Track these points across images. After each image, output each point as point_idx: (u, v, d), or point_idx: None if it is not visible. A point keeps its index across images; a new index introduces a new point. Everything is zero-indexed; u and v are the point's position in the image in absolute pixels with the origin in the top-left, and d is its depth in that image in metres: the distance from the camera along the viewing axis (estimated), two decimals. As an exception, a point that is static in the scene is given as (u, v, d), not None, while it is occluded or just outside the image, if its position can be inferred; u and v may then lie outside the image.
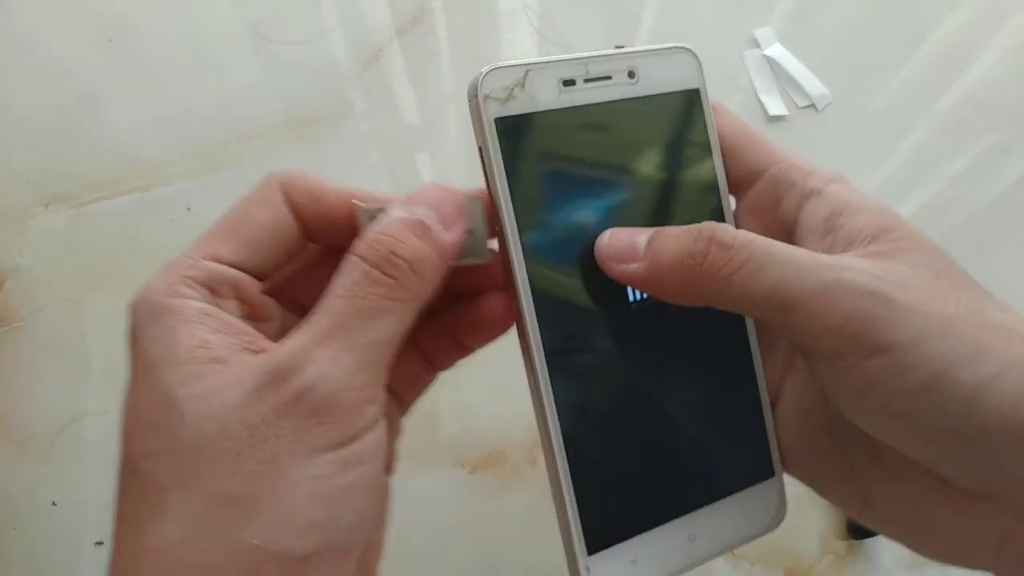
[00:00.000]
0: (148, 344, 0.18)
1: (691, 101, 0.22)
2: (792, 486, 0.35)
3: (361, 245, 0.17)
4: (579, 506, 0.20)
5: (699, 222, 0.18)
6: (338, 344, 0.16)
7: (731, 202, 0.22)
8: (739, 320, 0.21)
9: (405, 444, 0.36)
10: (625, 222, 0.20)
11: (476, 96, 0.20)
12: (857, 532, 0.34)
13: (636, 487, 0.20)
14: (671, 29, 0.46)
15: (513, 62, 0.20)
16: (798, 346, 0.18)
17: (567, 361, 0.19)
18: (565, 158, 0.20)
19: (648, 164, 0.21)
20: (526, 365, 0.20)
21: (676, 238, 0.18)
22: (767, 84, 0.45)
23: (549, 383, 0.19)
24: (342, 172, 0.41)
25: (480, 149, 0.20)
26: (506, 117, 0.20)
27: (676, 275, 0.18)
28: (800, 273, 0.16)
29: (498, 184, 0.19)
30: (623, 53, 0.21)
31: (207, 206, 0.40)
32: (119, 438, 0.18)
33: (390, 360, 0.17)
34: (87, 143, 0.42)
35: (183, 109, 0.43)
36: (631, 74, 0.21)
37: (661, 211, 0.21)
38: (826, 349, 0.17)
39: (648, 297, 0.20)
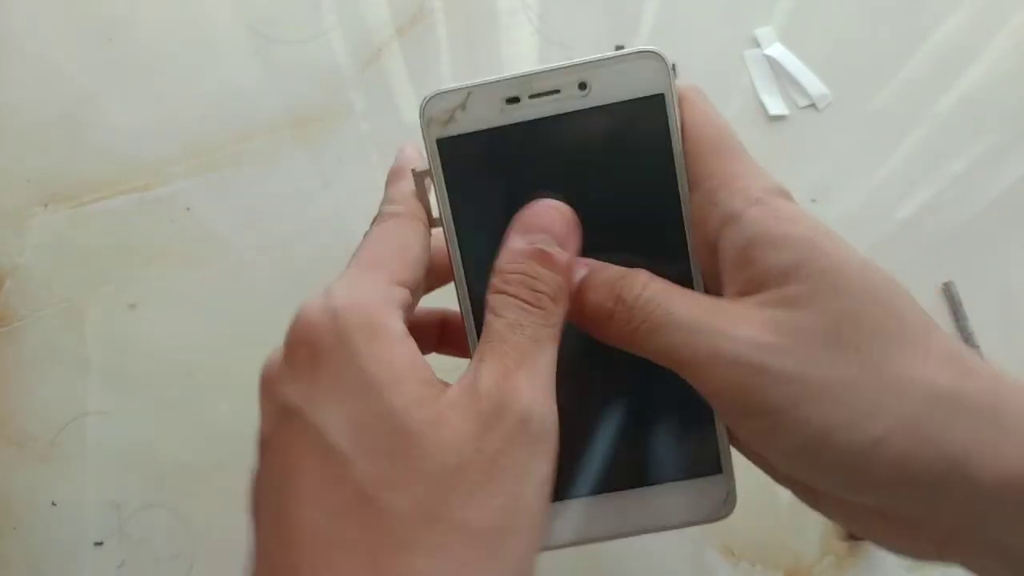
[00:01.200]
0: (369, 361, 0.17)
1: (653, 108, 0.20)
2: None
3: (499, 281, 0.18)
4: None
5: (652, 242, 0.20)
6: (528, 372, 0.17)
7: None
8: None
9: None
10: (585, 246, 0.20)
11: (421, 119, 0.21)
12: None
13: (585, 456, 0.22)
14: (671, 28, 0.46)
15: (457, 85, 0.21)
16: None
17: None
18: (510, 176, 0.21)
19: (598, 179, 0.21)
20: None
21: (595, 289, 0.19)
22: (767, 84, 0.45)
23: None
24: (341, 171, 0.41)
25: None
26: (447, 138, 0.21)
27: (593, 325, 0.19)
28: (687, 339, 0.18)
29: (439, 204, 0.21)
30: (573, 65, 0.20)
31: (207, 206, 0.40)
32: (330, 453, 0.16)
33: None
34: (87, 143, 0.42)
35: (182, 109, 0.43)
36: (582, 86, 0.20)
37: (609, 230, 0.21)
38: (717, 409, 0.19)
39: None
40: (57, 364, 0.37)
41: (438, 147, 0.21)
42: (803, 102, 0.44)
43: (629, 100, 0.20)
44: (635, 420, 0.22)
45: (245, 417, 0.37)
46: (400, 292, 0.19)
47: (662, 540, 0.34)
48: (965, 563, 0.18)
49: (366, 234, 0.22)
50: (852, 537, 0.34)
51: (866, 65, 0.45)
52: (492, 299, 0.18)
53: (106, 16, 0.45)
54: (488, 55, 0.45)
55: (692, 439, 0.22)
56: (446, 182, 0.21)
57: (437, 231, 0.22)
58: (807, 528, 0.35)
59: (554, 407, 0.18)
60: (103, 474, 0.35)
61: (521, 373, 0.17)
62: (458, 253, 0.21)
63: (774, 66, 0.45)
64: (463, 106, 0.21)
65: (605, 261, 0.20)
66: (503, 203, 0.20)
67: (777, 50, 0.45)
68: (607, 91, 0.20)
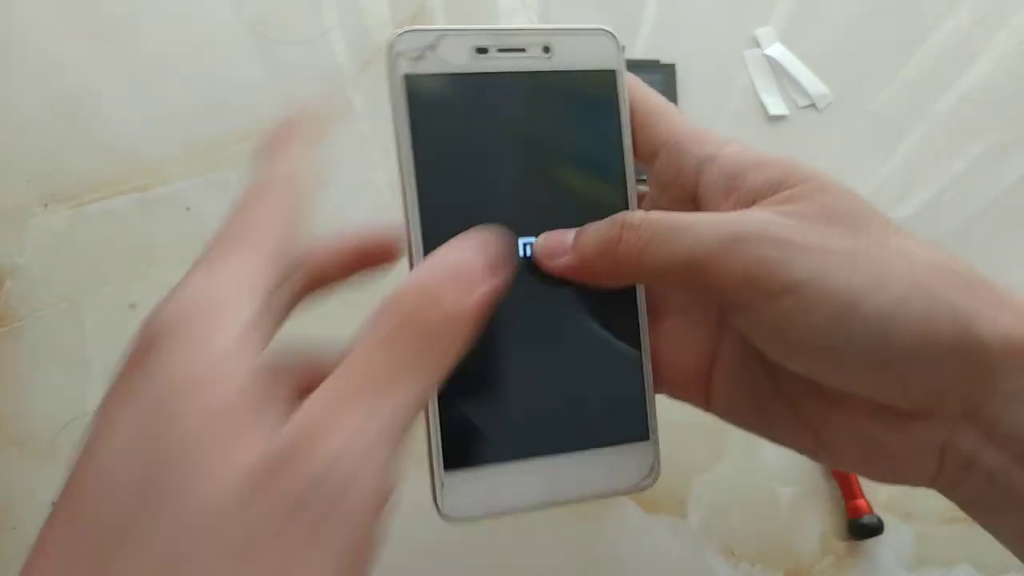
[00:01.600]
0: (168, 364, 0.14)
1: (605, 81, 0.22)
2: (791, 486, 0.35)
3: (396, 291, 0.15)
4: (442, 424, 0.21)
5: (599, 199, 0.21)
6: (367, 413, 0.13)
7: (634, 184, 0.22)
8: (631, 294, 0.22)
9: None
10: (523, 189, 0.21)
11: (389, 54, 0.21)
12: (858, 532, 0.34)
13: (502, 420, 0.21)
14: (671, 28, 0.46)
15: (429, 27, 0.21)
16: (719, 303, 0.20)
17: None
18: (472, 120, 0.21)
19: (551, 136, 0.22)
20: None
21: (596, 230, 0.19)
22: (767, 83, 0.45)
23: None
24: (342, 172, 0.41)
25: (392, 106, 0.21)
26: (415, 75, 0.21)
27: (599, 261, 0.19)
28: (700, 235, 0.18)
29: (401, 139, 0.21)
30: (540, 28, 0.22)
31: (207, 206, 0.40)
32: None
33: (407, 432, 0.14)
34: (87, 143, 0.42)
35: (183, 109, 0.43)
36: (546, 49, 0.22)
37: (558, 184, 0.22)
38: (739, 299, 0.18)
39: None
40: (57, 364, 0.37)
41: (404, 82, 0.21)
42: (803, 102, 0.44)
43: (586, 70, 0.22)
44: (561, 380, 0.21)
45: (245, 417, 0.37)
46: (265, 270, 0.16)
47: (661, 540, 0.34)
48: (970, 466, 0.17)
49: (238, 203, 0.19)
50: (852, 537, 0.34)
51: (866, 65, 0.45)
52: (379, 307, 0.15)
53: (106, 15, 0.45)
54: (488, 55, 0.45)
55: (618, 403, 0.22)
56: (409, 119, 0.21)
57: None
58: (807, 528, 0.35)
59: (384, 477, 0.14)
60: (103, 474, 0.35)
61: (357, 410, 0.13)
62: (415, 194, 0.21)
63: (774, 66, 0.45)
64: (433, 46, 0.21)
65: (555, 213, 0.21)
66: (461, 147, 0.21)
67: (777, 50, 0.45)
68: (567, 58, 0.22)
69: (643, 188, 0.23)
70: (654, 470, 0.22)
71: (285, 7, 0.46)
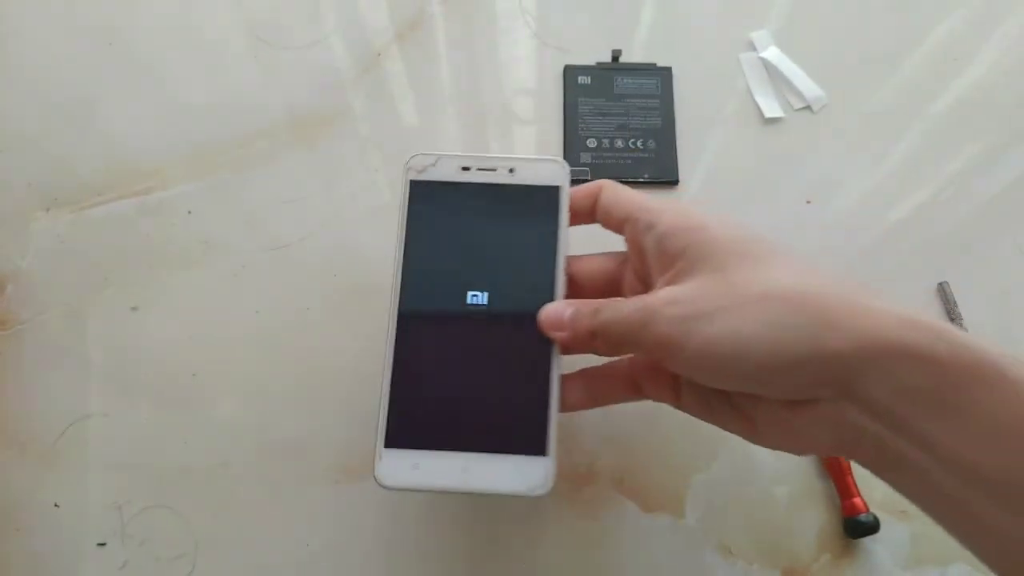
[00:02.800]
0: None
1: (552, 194, 0.31)
2: (787, 486, 0.35)
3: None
4: (389, 411, 0.29)
5: (534, 284, 0.30)
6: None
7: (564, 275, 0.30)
8: (545, 347, 0.29)
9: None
10: (479, 260, 0.30)
11: (404, 167, 0.32)
12: (854, 531, 0.34)
13: (434, 418, 0.29)
14: (667, 31, 0.46)
15: (433, 152, 0.32)
16: None
17: (415, 327, 0.30)
18: (450, 212, 0.31)
19: (509, 228, 0.31)
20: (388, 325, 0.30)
21: (590, 317, 0.27)
22: (763, 86, 0.45)
23: (394, 334, 0.30)
24: (342, 175, 0.42)
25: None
26: (418, 181, 0.31)
27: (582, 340, 0.28)
28: (626, 320, 0.26)
29: (402, 221, 0.31)
30: (509, 157, 0.32)
31: (208, 209, 0.41)
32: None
33: None
34: (88, 147, 0.42)
35: (183, 113, 0.43)
36: (511, 170, 0.31)
37: (507, 269, 0.30)
38: (658, 357, 0.26)
39: (482, 304, 0.30)
40: (59, 367, 0.37)
41: (410, 185, 0.31)
42: (798, 104, 0.44)
43: (539, 185, 0.31)
44: (485, 398, 0.29)
45: (246, 418, 0.37)
46: None
47: (659, 539, 0.34)
48: (860, 434, 0.23)
49: None
50: (849, 536, 0.35)
51: (861, 67, 0.45)
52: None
53: (106, 21, 0.46)
54: (487, 59, 0.45)
55: (528, 423, 0.29)
56: (408, 209, 0.31)
57: None
58: (804, 526, 0.35)
59: None
60: (105, 476, 0.35)
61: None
62: (402, 256, 0.30)
63: (769, 69, 0.45)
64: (434, 164, 0.32)
65: (508, 283, 0.30)
66: (441, 229, 0.31)
67: (772, 53, 0.45)
68: (526, 176, 0.31)
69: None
70: (547, 481, 0.28)
71: (285, 12, 0.46)
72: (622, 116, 0.43)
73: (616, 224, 0.30)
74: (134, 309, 0.38)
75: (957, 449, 0.21)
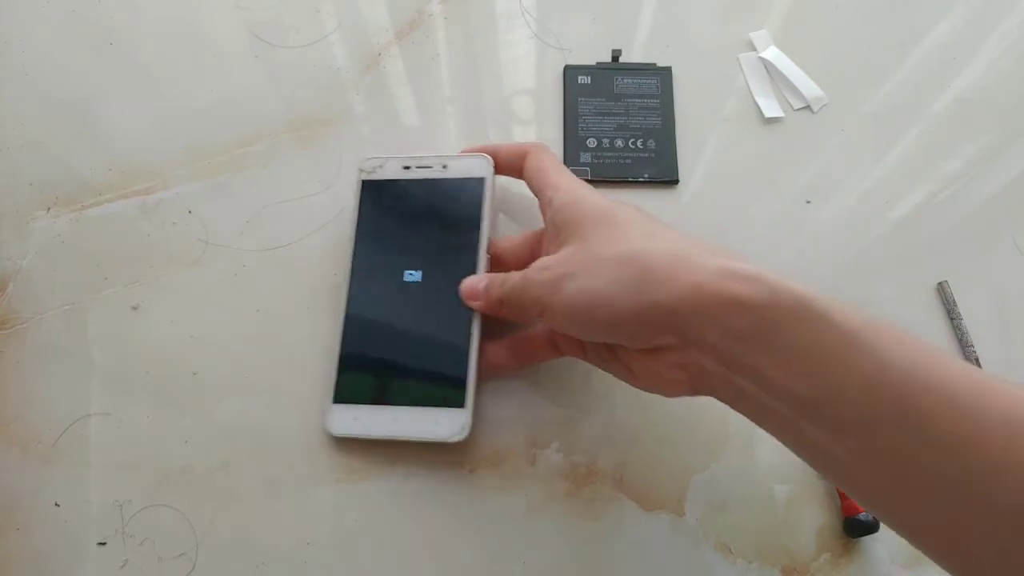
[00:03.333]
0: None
1: (478, 184, 0.37)
2: (787, 484, 0.35)
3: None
4: (338, 375, 0.35)
5: (460, 262, 0.36)
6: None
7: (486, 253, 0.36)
8: (467, 315, 0.35)
9: (404, 444, 0.36)
10: (417, 244, 0.37)
11: (359, 169, 0.39)
12: (854, 530, 0.34)
13: (372, 378, 0.35)
14: (667, 31, 0.46)
15: (381, 155, 0.39)
16: None
17: (361, 302, 0.36)
18: (398, 206, 0.38)
19: (442, 214, 0.37)
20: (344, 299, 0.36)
21: (499, 286, 0.33)
22: (762, 86, 0.45)
23: (346, 304, 0.36)
24: (342, 175, 0.42)
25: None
26: (368, 181, 0.39)
27: (494, 307, 0.34)
28: (515, 287, 0.32)
29: (353, 218, 0.38)
30: (441, 155, 0.38)
31: (208, 209, 0.41)
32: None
33: None
34: (88, 147, 0.42)
35: (184, 113, 0.43)
36: (444, 166, 0.38)
37: (439, 250, 0.36)
38: (536, 315, 0.31)
39: (417, 280, 0.36)
40: (60, 366, 0.37)
41: (362, 185, 0.39)
42: (798, 104, 0.45)
43: (467, 177, 0.37)
44: (415, 360, 0.35)
45: (247, 417, 0.37)
46: None
47: (659, 537, 0.35)
48: (706, 373, 0.27)
49: None
50: (848, 534, 0.35)
51: (860, 67, 0.46)
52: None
53: (107, 20, 0.46)
54: (487, 59, 0.45)
55: (449, 380, 0.34)
56: (359, 205, 0.38)
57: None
58: (803, 525, 0.35)
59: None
60: (106, 474, 0.35)
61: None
62: (353, 243, 0.37)
63: (769, 69, 0.45)
64: (382, 165, 0.39)
65: (439, 262, 0.36)
66: (389, 220, 0.37)
67: (772, 53, 0.45)
68: (457, 171, 0.38)
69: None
70: (464, 430, 0.34)
71: (285, 12, 0.46)
72: (622, 116, 0.43)
73: (535, 192, 0.35)
74: (134, 309, 0.39)
75: (780, 380, 0.24)
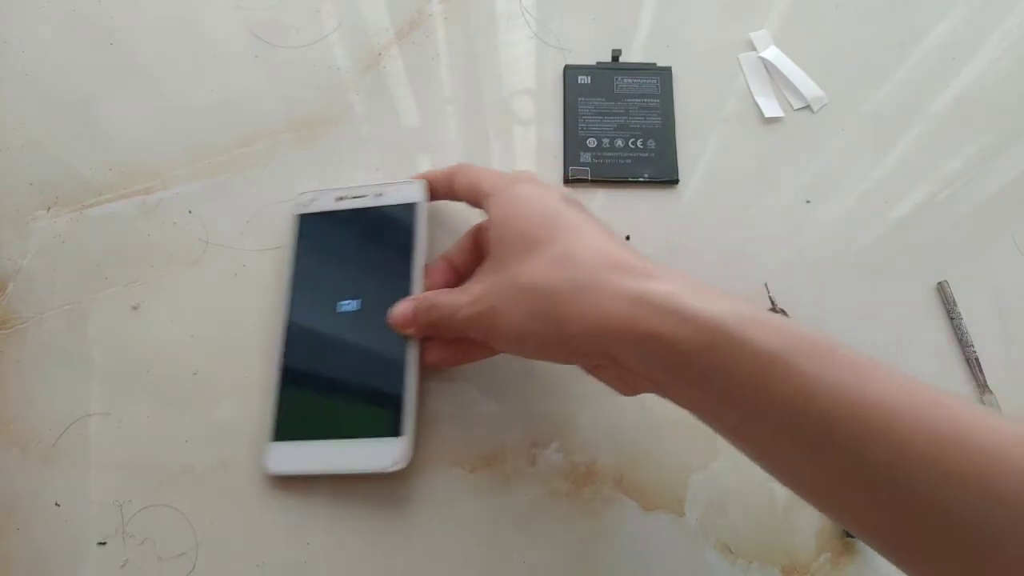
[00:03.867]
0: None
1: (410, 209, 0.37)
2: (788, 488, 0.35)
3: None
4: (276, 413, 0.35)
5: (396, 288, 0.35)
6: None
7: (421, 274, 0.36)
8: (403, 341, 0.35)
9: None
10: (354, 281, 0.37)
11: (294, 203, 0.39)
12: (853, 530, 0.34)
13: (310, 413, 0.35)
14: (667, 31, 0.46)
15: (315, 189, 0.39)
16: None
17: (297, 338, 0.36)
18: (333, 236, 0.38)
19: (378, 238, 0.37)
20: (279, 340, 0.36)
21: (426, 312, 0.33)
22: (762, 86, 0.45)
23: (283, 341, 0.36)
24: (342, 175, 0.42)
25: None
26: (303, 214, 0.39)
27: (429, 331, 0.34)
28: (453, 307, 0.32)
29: (290, 254, 0.38)
30: (376, 183, 0.39)
31: (208, 209, 0.41)
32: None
33: None
34: (89, 146, 0.42)
35: (184, 112, 0.43)
36: (379, 195, 0.38)
37: (375, 277, 0.36)
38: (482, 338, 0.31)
39: (353, 310, 0.36)
40: (60, 366, 0.37)
41: (299, 220, 0.39)
42: (798, 104, 0.45)
43: (401, 203, 0.38)
44: (352, 390, 0.35)
45: (247, 417, 0.37)
46: None
47: (659, 538, 0.35)
48: (643, 383, 0.28)
49: None
50: (848, 535, 0.35)
51: (860, 67, 0.46)
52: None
53: (107, 20, 0.46)
54: (486, 59, 0.45)
55: (386, 409, 0.34)
56: (297, 238, 0.38)
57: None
58: (804, 526, 0.35)
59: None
60: (106, 474, 0.35)
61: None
62: (292, 272, 0.38)
63: (769, 69, 0.45)
64: (316, 199, 0.39)
65: (375, 290, 0.36)
66: (325, 252, 0.38)
67: (772, 53, 0.45)
68: (390, 198, 0.38)
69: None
70: (403, 459, 0.33)
71: (285, 12, 0.46)
72: (622, 116, 0.43)
73: (477, 206, 0.34)
74: (134, 308, 0.39)
75: (710, 406, 0.25)
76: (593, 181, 0.42)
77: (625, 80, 0.44)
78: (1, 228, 0.40)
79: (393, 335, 0.35)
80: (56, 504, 0.35)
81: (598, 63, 0.45)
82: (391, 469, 0.33)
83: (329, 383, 0.35)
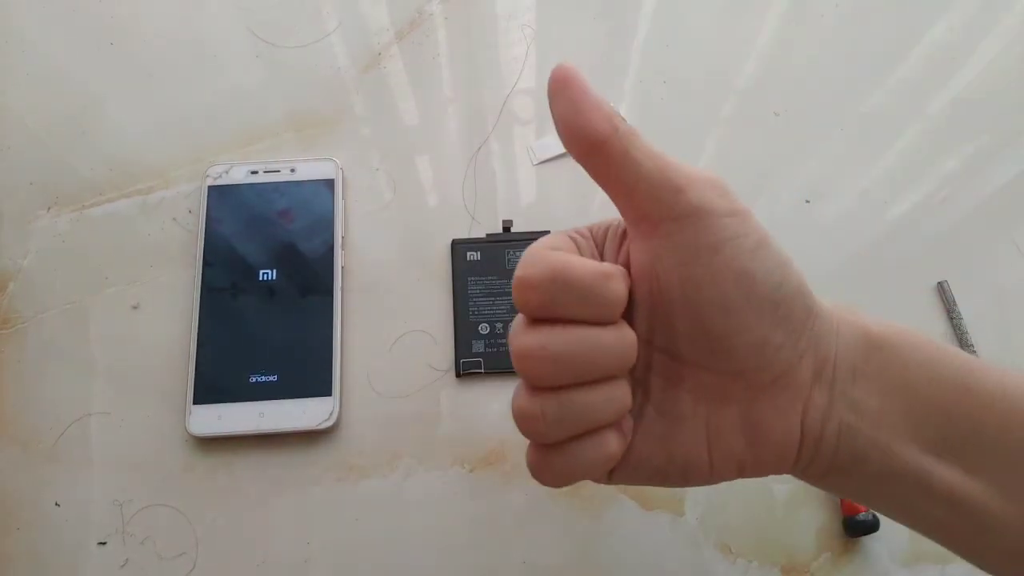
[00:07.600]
0: None
1: (329, 186, 0.40)
2: (787, 484, 0.35)
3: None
4: (195, 374, 0.36)
5: (315, 259, 0.38)
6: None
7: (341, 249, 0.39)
8: (328, 303, 0.37)
9: (404, 443, 0.36)
10: (272, 252, 0.38)
11: (203, 175, 0.40)
12: (853, 529, 0.34)
13: (233, 374, 0.36)
14: (666, 34, 0.46)
15: (226, 162, 0.40)
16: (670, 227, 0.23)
17: (214, 304, 0.37)
18: (246, 209, 0.39)
19: (293, 214, 0.39)
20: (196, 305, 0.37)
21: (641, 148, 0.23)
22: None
23: (199, 306, 0.37)
24: (342, 174, 0.42)
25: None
26: (213, 186, 0.40)
27: (613, 159, 0.23)
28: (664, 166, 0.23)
29: (201, 223, 0.39)
30: (290, 160, 0.40)
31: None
32: None
33: None
34: (89, 146, 0.42)
35: (184, 112, 0.43)
36: (293, 169, 0.40)
37: (293, 249, 0.38)
38: (696, 210, 0.22)
39: (272, 279, 0.37)
40: (60, 365, 0.37)
41: (208, 191, 0.40)
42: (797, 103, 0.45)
43: (316, 179, 0.40)
44: (278, 354, 0.36)
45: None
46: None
47: (660, 537, 0.35)
48: (822, 432, 0.22)
49: None
50: (848, 534, 0.35)
51: (859, 67, 0.46)
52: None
53: (108, 20, 0.46)
54: (486, 59, 0.45)
55: (313, 371, 0.36)
56: (207, 211, 0.39)
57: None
58: (803, 525, 0.35)
59: None
60: (106, 474, 0.35)
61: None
62: (202, 246, 0.38)
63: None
64: (228, 172, 0.40)
65: (294, 260, 0.38)
66: (239, 224, 0.39)
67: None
68: (306, 173, 0.40)
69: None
70: (332, 415, 0.35)
71: (286, 12, 0.46)
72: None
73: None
74: (135, 308, 0.39)
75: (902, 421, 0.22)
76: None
77: (517, 254, 0.39)
78: (2, 228, 0.40)
79: (316, 302, 0.37)
80: (56, 504, 0.35)
81: (488, 235, 0.40)
82: (323, 426, 0.35)
83: (252, 346, 0.36)
